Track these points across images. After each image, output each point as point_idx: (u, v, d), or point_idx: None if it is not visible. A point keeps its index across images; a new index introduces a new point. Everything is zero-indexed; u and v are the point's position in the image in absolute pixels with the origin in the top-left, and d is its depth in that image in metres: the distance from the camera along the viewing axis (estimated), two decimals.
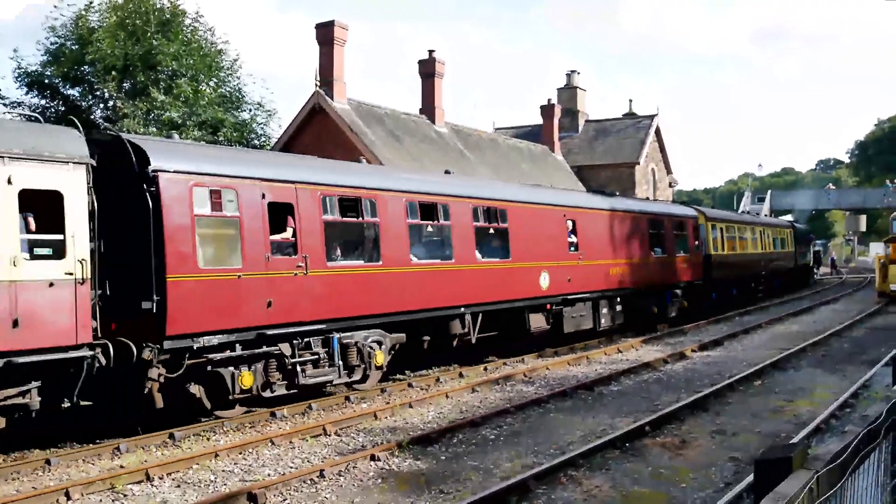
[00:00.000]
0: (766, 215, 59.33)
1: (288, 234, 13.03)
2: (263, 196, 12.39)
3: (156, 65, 28.45)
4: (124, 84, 28.72)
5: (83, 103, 30.04)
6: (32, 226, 10.14)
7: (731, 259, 32.10)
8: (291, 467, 10.12)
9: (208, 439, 11.70)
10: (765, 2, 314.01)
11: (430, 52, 32.90)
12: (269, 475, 9.74)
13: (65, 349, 10.04)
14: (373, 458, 10.24)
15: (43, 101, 29.97)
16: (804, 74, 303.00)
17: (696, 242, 28.19)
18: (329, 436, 11.77)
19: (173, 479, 9.66)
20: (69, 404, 10.58)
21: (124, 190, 11.10)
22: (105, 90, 28.51)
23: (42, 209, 10.13)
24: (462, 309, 16.48)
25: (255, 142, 32.39)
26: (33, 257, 9.95)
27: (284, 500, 8.77)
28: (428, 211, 15.94)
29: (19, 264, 9.68)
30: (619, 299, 22.68)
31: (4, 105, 29.51)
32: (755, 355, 18.96)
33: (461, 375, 16.91)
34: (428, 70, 33.20)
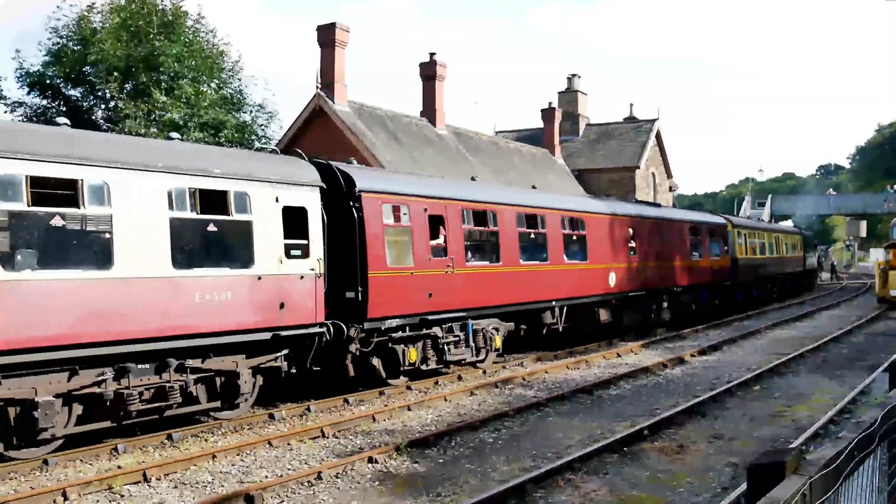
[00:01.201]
0: (766, 220, 59.41)
1: (440, 240, 16.29)
2: (425, 210, 15.78)
3: (158, 66, 28.46)
4: (126, 85, 28.73)
5: (84, 104, 30.06)
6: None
7: (753, 262, 35.43)
8: (289, 469, 10.13)
9: (206, 440, 11.70)
10: (764, 3, 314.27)
11: (432, 54, 32.93)
12: (266, 477, 9.74)
13: (307, 326, 13.23)
14: (371, 460, 10.24)
15: (45, 102, 29.99)
16: (803, 78, 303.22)
17: (725, 247, 31.46)
18: (327, 438, 11.77)
19: (171, 480, 9.66)
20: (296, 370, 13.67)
21: (336, 206, 14.16)
22: (107, 91, 28.51)
23: (292, 221, 13.09)
24: (553, 303, 19.74)
25: (256, 143, 32.41)
26: (289, 257, 12.96)
27: (282, 501, 8.77)
28: (531, 221, 19.15)
29: (283, 262, 12.80)
30: (665, 297, 25.94)
31: (6, 105, 29.56)
32: (754, 360, 18.96)
33: (459, 378, 16.92)
34: (429, 72, 33.22)
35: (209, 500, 8.61)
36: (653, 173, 45.36)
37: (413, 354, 15.43)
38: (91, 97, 29.99)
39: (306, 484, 9.33)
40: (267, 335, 12.56)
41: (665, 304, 25.85)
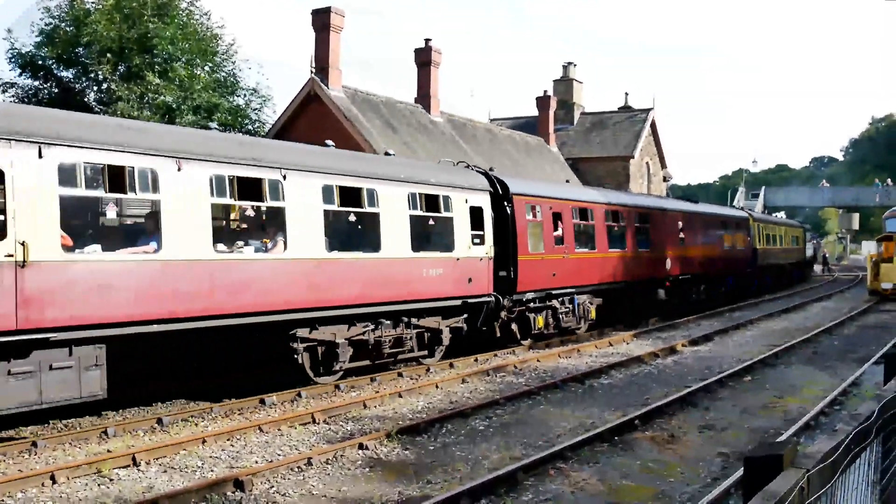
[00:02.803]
0: (759, 212, 59.67)
1: (559, 231, 20.32)
2: (550, 208, 20.02)
3: (151, 48, 28.25)
4: (119, 67, 28.52)
5: (77, 85, 29.84)
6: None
7: (768, 252, 40.55)
8: (279, 454, 10.09)
9: (196, 425, 11.65)
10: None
11: (427, 40, 32.74)
12: (256, 462, 9.71)
13: (483, 296, 17.44)
14: (361, 446, 10.22)
15: (36, 83, 29.75)
16: (798, 69, 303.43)
17: (748, 239, 36.13)
18: (318, 423, 11.74)
19: (160, 465, 9.62)
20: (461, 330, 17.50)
21: (494, 205, 18.10)
22: (99, 73, 28.31)
23: (474, 217, 17.23)
24: (623, 284, 23.72)
25: (249, 127, 32.27)
26: (474, 244, 17.08)
27: (271, 487, 8.74)
28: (615, 216, 23.57)
29: (470, 248, 16.94)
30: (703, 281, 30.22)
31: None
32: (745, 351, 19.00)
33: (451, 366, 16.91)
34: (424, 59, 33.03)
35: (199, 485, 8.56)
36: (647, 163, 45.33)
37: (540, 321, 19.69)
38: (83, 79, 29.77)
39: (296, 469, 9.29)
40: (458, 302, 16.83)
41: (702, 287, 30.35)
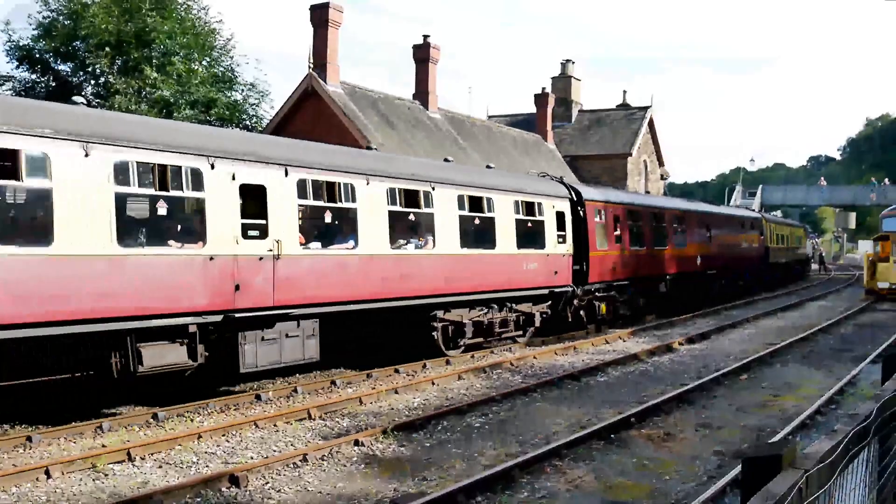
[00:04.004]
0: (757, 210, 59.85)
1: (617, 232, 23.49)
2: (611, 211, 23.21)
3: (149, 42, 28.20)
4: (116, 61, 28.45)
5: (74, 79, 29.77)
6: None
7: (778, 250, 44.84)
8: (275, 451, 10.07)
9: (192, 420, 11.63)
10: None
11: (425, 36, 32.69)
12: (251, 458, 9.68)
13: (563, 286, 20.55)
14: (357, 443, 10.19)
15: (34, 76, 29.68)
16: (796, 68, 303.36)
17: (762, 238, 39.98)
18: (314, 420, 11.71)
19: (155, 460, 9.59)
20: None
21: (571, 208, 21.16)
22: (97, 66, 28.23)
23: (557, 220, 20.37)
24: (667, 276, 27.20)
25: (247, 122, 32.21)
26: (558, 242, 20.20)
27: (267, 483, 8.71)
28: (658, 217, 27.03)
29: (556, 246, 20.09)
30: (725, 276, 33.61)
31: None
32: (742, 349, 19.00)
33: (448, 363, 16.90)
34: (422, 55, 32.97)
35: (193, 481, 8.54)
36: (645, 161, 45.32)
37: (603, 308, 22.59)
38: (81, 73, 29.70)
39: (291, 466, 9.27)
40: (545, 291, 19.89)
41: (723, 282, 33.34)
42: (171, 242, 11.51)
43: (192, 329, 11.68)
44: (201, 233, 11.67)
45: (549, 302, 20.22)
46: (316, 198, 13.69)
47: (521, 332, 19.63)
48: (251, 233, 12.36)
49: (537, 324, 19.93)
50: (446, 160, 19.25)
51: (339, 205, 14.02)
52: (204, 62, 31.03)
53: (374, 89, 30.53)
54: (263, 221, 12.51)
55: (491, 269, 17.75)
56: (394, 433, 10.71)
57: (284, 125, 27.47)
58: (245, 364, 12.43)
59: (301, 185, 13.24)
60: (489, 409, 12.41)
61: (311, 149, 14.43)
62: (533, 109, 44.53)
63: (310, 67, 27.50)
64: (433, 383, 14.56)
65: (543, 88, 44.34)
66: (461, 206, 16.93)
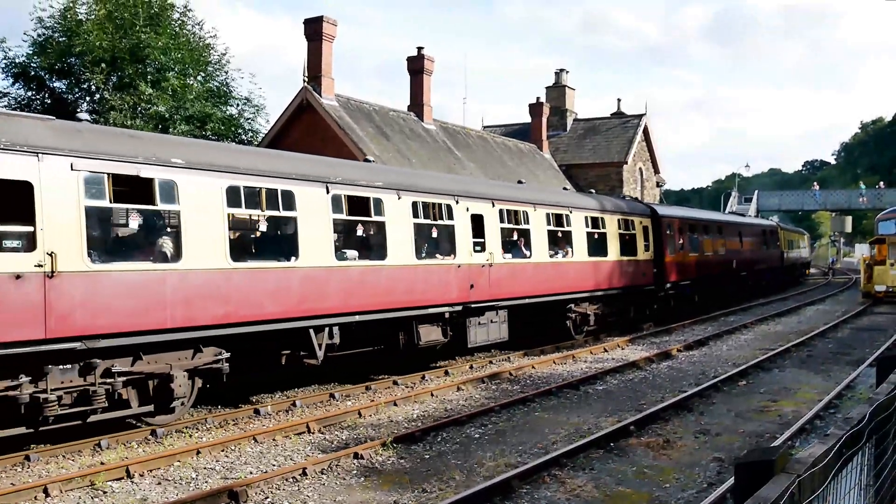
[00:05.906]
0: (753, 216, 60.37)
1: (681, 241, 28.02)
2: (677, 224, 28.11)
3: (144, 58, 28.24)
4: (111, 77, 28.49)
5: (69, 96, 29.80)
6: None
7: (790, 254, 51.47)
8: (274, 465, 10.05)
9: (190, 436, 11.61)
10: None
11: (419, 48, 32.76)
12: (251, 473, 9.67)
13: (648, 286, 25.58)
14: (356, 456, 10.18)
15: (29, 93, 29.70)
16: (791, 70, 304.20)
17: (778, 243, 46.15)
18: (313, 433, 11.70)
19: (154, 477, 9.58)
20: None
21: (651, 223, 26.23)
22: (92, 83, 28.27)
23: (644, 233, 25.41)
24: (708, 277, 31.29)
25: (243, 137, 32.25)
26: (645, 251, 25.36)
27: (266, 498, 8.70)
28: (707, 228, 31.73)
29: (642, 254, 24.85)
30: (752, 276, 38.89)
31: None
32: (740, 355, 19.01)
33: (447, 373, 16.89)
34: (416, 67, 33.04)
35: (193, 497, 8.52)
36: (640, 168, 45.36)
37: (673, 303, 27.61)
38: (76, 89, 29.73)
39: (291, 480, 9.26)
40: (638, 289, 24.80)
41: (751, 282, 38.70)
42: (438, 256, 16.52)
43: (447, 315, 16.46)
44: (452, 248, 16.73)
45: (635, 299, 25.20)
46: (510, 221, 18.75)
47: (620, 321, 24.48)
48: (477, 248, 17.22)
49: (632, 314, 25.09)
50: (565, 188, 25.27)
51: (520, 227, 19.18)
52: (199, 77, 31.08)
53: (368, 101, 30.59)
54: (482, 240, 17.48)
55: (605, 272, 22.62)
56: (393, 445, 10.71)
57: (280, 138, 27.51)
58: (470, 341, 17.15)
59: (501, 213, 18.32)
60: (488, 420, 12.41)
61: (507, 187, 21.06)
62: (528, 119, 44.65)
63: (304, 81, 27.57)
64: (432, 395, 14.56)
65: (538, 98, 44.46)
66: (586, 225, 21.89)
